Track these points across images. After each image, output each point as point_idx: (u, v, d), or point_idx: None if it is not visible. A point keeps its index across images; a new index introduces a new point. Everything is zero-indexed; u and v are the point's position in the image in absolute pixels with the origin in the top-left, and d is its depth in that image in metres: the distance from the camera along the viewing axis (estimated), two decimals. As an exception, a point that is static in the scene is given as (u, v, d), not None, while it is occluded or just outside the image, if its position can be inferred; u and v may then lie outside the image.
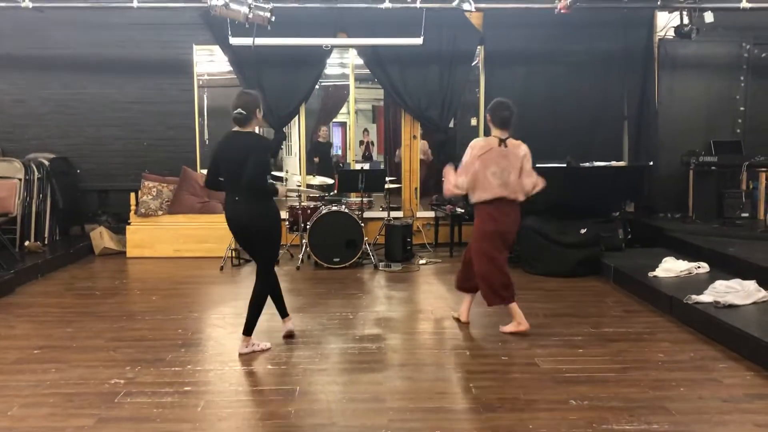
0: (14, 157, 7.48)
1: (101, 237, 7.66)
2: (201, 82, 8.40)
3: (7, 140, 8.10)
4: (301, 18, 7.64)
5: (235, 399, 3.52)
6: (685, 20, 7.35)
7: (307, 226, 6.82)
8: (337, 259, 6.79)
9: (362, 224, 6.86)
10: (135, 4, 7.04)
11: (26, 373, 3.84)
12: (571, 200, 6.78)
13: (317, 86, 8.99)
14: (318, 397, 3.50)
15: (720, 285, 4.91)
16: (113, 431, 3.11)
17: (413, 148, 8.42)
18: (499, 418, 3.22)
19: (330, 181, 8.06)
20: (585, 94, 8.13)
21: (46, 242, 7.38)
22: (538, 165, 6.85)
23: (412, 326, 4.90)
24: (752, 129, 8.19)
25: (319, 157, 10.12)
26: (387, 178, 7.48)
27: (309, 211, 7.10)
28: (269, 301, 4.28)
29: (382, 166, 10.92)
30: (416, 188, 8.46)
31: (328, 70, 9.05)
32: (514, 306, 4.56)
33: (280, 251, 7.21)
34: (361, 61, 8.20)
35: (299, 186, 7.83)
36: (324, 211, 6.82)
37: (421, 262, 7.15)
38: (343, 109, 11.97)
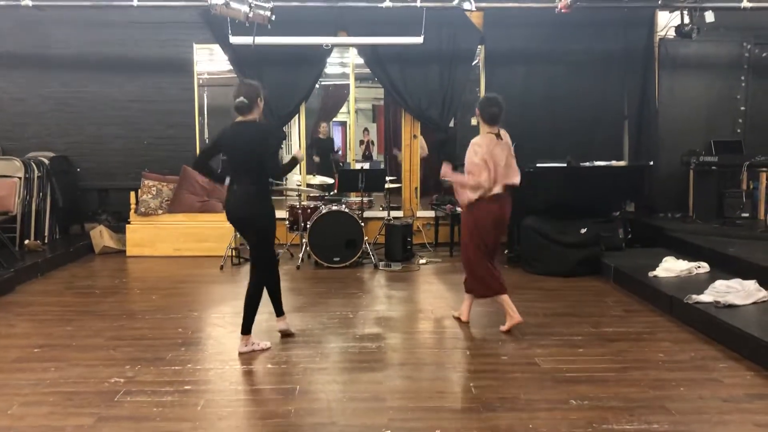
0: (14, 155, 7.47)
1: (101, 236, 7.66)
2: (201, 81, 8.39)
3: (7, 139, 8.09)
4: (301, 17, 7.63)
5: (235, 398, 3.52)
6: (686, 20, 7.34)
7: (307, 226, 6.82)
8: (337, 259, 6.79)
9: (362, 224, 6.86)
10: (135, 2, 7.03)
11: (26, 372, 3.84)
12: (571, 200, 6.78)
13: (317, 85, 8.98)
14: (318, 396, 3.50)
15: (720, 285, 4.91)
16: (113, 430, 3.11)
17: (413, 148, 8.42)
18: (498, 417, 3.22)
19: (330, 180, 8.06)
20: (585, 93, 8.12)
21: (46, 241, 7.37)
22: (538, 164, 6.96)
23: (412, 326, 4.90)
24: (753, 129, 8.17)
25: (318, 156, 10.10)
26: (387, 178, 7.48)
27: (309, 210, 7.10)
28: (267, 299, 4.28)
29: (382, 166, 10.92)
30: (416, 188, 8.45)
31: (328, 69, 9.05)
32: (505, 298, 4.58)
33: (281, 251, 7.25)
34: (361, 60, 8.19)
35: (299, 185, 7.82)
36: (324, 211, 6.81)
37: (421, 261, 7.15)
38: (344, 109, 11.98)
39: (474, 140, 4.53)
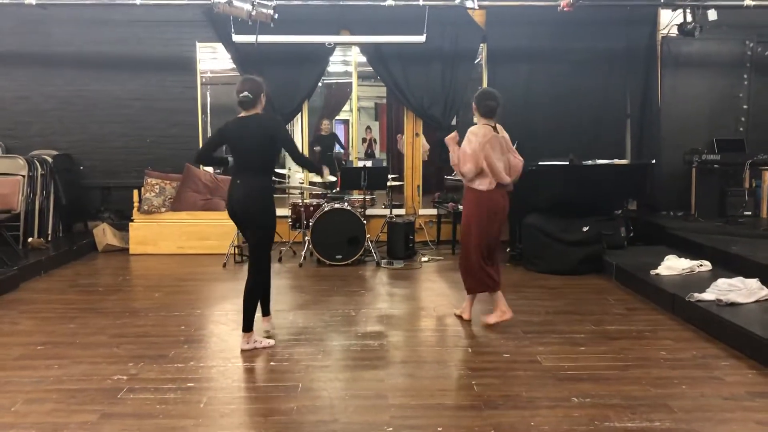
0: (17, 153, 7.49)
1: (104, 234, 7.67)
2: (204, 80, 8.41)
3: (10, 137, 8.11)
4: (304, 15, 7.63)
5: (237, 395, 3.54)
6: (689, 18, 7.32)
7: (310, 224, 6.83)
8: (340, 257, 6.80)
9: (364, 222, 6.86)
10: (138, 1, 7.05)
11: (29, 369, 3.85)
12: (574, 198, 6.78)
13: (320, 84, 8.98)
14: (320, 394, 3.51)
15: (722, 283, 4.90)
16: (116, 427, 3.12)
17: (415, 146, 8.42)
18: (500, 415, 3.22)
19: (332, 178, 8.05)
20: (588, 91, 8.12)
21: (49, 239, 7.39)
22: (540, 162, 6.96)
23: (414, 323, 4.90)
24: (755, 127, 8.16)
25: (320, 148, 10.05)
26: (389, 176, 7.48)
27: (311, 208, 7.11)
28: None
29: (384, 164, 10.92)
30: (419, 186, 8.46)
31: (330, 68, 9.06)
32: (498, 294, 4.59)
33: (282, 249, 7.26)
34: (363, 59, 8.20)
35: (302, 183, 7.83)
36: (326, 209, 6.82)
37: (424, 259, 7.15)
38: (346, 107, 11.99)
39: (471, 129, 4.52)
